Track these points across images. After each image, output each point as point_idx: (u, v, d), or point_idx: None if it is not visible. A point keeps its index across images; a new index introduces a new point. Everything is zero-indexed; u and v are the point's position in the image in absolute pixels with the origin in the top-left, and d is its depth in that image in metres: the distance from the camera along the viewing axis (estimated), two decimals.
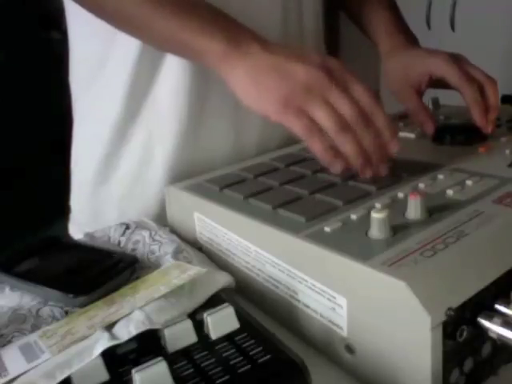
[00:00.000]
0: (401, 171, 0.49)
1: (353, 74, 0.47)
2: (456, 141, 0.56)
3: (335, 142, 0.46)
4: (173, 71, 0.59)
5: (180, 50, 0.55)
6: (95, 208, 0.69)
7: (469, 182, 0.45)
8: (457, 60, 0.59)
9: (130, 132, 0.63)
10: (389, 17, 0.70)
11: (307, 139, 0.46)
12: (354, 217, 0.41)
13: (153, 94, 0.61)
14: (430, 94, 0.73)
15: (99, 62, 0.63)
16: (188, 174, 0.62)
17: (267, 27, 0.57)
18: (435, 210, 0.40)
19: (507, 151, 0.52)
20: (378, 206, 0.42)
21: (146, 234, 0.51)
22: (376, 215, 0.37)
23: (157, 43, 0.56)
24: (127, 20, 0.54)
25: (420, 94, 0.63)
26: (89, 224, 0.68)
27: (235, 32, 0.50)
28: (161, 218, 0.59)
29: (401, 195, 0.44)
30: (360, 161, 0.46)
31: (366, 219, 0.40)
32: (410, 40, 0.68)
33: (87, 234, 0.54)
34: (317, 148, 0.46)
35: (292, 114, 0.46)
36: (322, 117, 0.45)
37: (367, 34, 0.72)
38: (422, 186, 0.46)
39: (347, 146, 0.45)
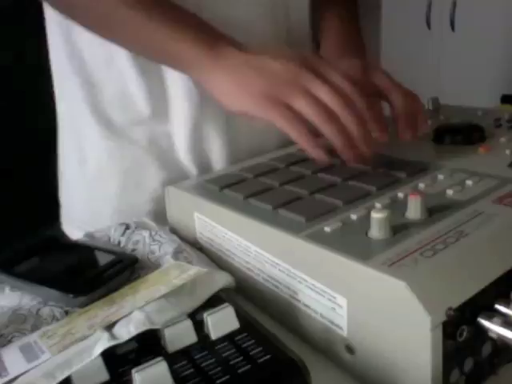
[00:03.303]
0: (401, 171, 0.49)
1: (331, 65, 0.48)
2: (456, 141, 0.56)
3: (318, 126, 0.46)
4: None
5: (158, 57, 0.55)
6: (88, 203, 0.69)
7: (469, 182, 0.45)
8: (366, 71, 0.56)
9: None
10: (336, 27, 0.68)
11: (287, 128, 0.46)
12: (353, 217, 0.41)
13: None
14: (430, 93, 0.73)
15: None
16: (182, 175, 0.62)
17: (254, 21, 0.58)
18: (435, 209, 0.40)
19: (507, 151, 0.52)
20: (378, 205, 0.42)
21: (146, 234, 0.51)
22: (376, 215, 0.37)
23: (133, 48, 0.56)
24: (103, 22, 0.54)
25: None
26: (82, 219, 0.68)
27: (212, 38, 0.50)
28: (155, 217, 0.60)
29: (401, 195, 0.44)
30: (342, 141, 0.46)
31: (366, 219, 0.40)
32: (351, 50, 0.65)
33: (87, 234, 0.54)
34: (297, 135, 0.46)
35: (271, 105, 0.46)
36: (303, 105, 0.46)
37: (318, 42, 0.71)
38: (422, 186, 0.46)
39: (331, 130, 0.46)
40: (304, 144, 0.47)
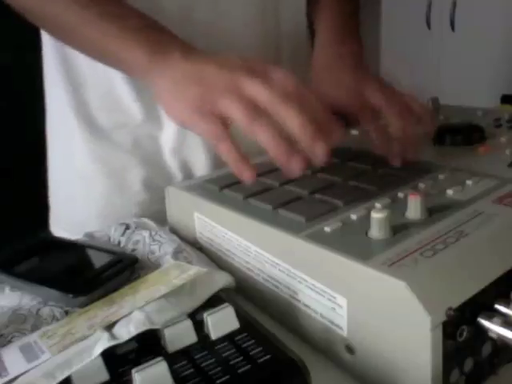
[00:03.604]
0: (401, 171, 0.49)
1: (277, 67, 0.43)
2: (456, 141, 0.56)
3: (249, 133, 0.41)
4: None
5: (105, 59, 0.55)
6: (73, 205, 0.69)
7: (469, 182, 0.45)
8: (359, 91, 0.53)
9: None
10: (331, 27, 0.65)
11: (214, 144, 0.43)
12: (353, 217, 0.41)
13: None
14: (430, 93, 0.73)
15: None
16: (167, 178, 0.62)
17: (243, 26, 0.58)
18: (435, 209, 0.40)
19: (507, 151, 0.52)
20: (378, 205, 0.42)
21: (146, 234, 0.51)
22: (376, 215, 0.37)
23: (83, 50, 0.56)
24: (52, 22, 0.54)
25: None
26: (67, 221, 0.68)
27: (160, 43, 0.49)
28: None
29: (401, 195, 0.44)
30: (282, 149, 0.40)
31: (365, 219, 0.40)
32: (344, 55, 0.60)
33: (87, 234, 0.54)
34: (222, 151, 0.42)
35: (202, 119, 0.43)
36: (233, 111, 0.41)
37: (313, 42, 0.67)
38: (422, 186, 0.46)
39: (263, 133, 0.40)
40: (228, 160, 0.42)
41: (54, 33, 0.57)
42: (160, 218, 0.55)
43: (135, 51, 0.49)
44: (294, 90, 0.41)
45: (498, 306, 0.34)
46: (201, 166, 0.65)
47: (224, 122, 0.43)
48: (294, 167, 0.40)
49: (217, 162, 0.64)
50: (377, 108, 0.52)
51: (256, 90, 0.41)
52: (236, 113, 0.41)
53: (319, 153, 0.39)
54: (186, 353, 0.33)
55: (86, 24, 0.51)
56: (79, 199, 0.67)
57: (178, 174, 0.66)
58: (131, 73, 0.53)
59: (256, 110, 0.40)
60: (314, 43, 0.66)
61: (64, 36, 0.56)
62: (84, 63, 0.62)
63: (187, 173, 0.66)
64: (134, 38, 0.49)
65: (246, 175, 0.42)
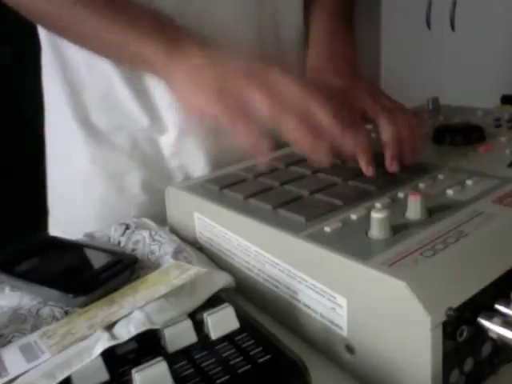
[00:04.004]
0: (401, 171, 0.49)
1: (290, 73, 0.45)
2: (456, 141, 0.56)
3: (273, 124, 0.42)
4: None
5: (120, 55, 0.55)
6: (71, 207, 0.69)
7: (469, 182, 0.45)
8: (351, 97, 0.51)
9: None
10: (324, 28, 0.64)
11: (231, 126, 0.43)
12: (353, 217, 0.41)
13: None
14: (430, 93, 0.73)
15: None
16: (165, 181, 0.62)
17: (239, 26, 0.59)
18: (435, 209, 0.40)
19: (507, 151, 0.52)
20: (378, 205, 0.42)
21: (146, 233, 0.51)
22: (376, 215, 0.37)
23: (93, 48, 0.56)
24: (58, 23, 0.54)
25: None
26: (65, 222, 0.68)
27: (176, 38, 0.50)
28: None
29: (401, 195, 0.44)
30: (307, 138, 0.41)
31: (365, 219, 0.40)
32: (337, 57, 0.59)
33: (87, 234, 0.54)
34: (242, 135, 0.43)
35: (224, 106, 0.44)
36: (257, 98, 0.42)
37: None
38: (422, 186, 0.46)
39: (288, 124, 0.41)
40: (245, 142, 0.43)
41: (66, 33, 0.57)
42: (159, 220, 0.55)
43: (151, 48, 0.49)
44: (317, 91, 0.43)
45: (498, 306, 0.34)
46: (200, 169, 0.65)
47: (243, 108, 0.43)
48: (323, 156, 0.41)
49: (216, 164, 0.64)
50: (367, 114, 0.50)
51: (279, 82, 0.42)
52: (261, 102, 0.42)
53: (349, 143, 0.41)
54: (185, 353, 0.33)
55: (100, 27, 0.51)
56: (78, 200, 0.67)
57: (177, 177, 0.65)
58: (146, 69, 0.54)
59: (281, 101, 0.41)
60: (308, 44, 0.65)
61: (72, 36, 0.56)
62: (82, 64, 0.61)
63: (186, 176, 0.65)
64: (149, 35, 0.50)
65: (261, 158, 0.45)
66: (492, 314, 0.33)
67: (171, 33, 0.51)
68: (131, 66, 0.57)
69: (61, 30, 0.56)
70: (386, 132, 0.49)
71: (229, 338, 0.34)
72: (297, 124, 0.42)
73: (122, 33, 0.51)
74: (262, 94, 0.43)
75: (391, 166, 0.48)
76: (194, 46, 0.49)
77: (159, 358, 0.31)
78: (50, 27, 0.57)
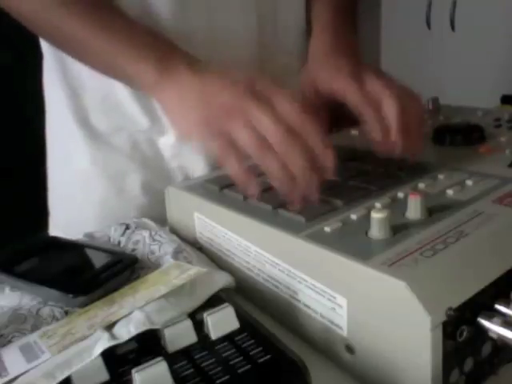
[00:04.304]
0: (401, 171, 0.49)
1: (282, 92, 0.44)
2: (456, 141, 0.56)
3: (256, 161, 0.43)
4: None
5: (112, 72, 0.55)
6: (71, 208, 0.69)
7: (469, 182, 0.45)
8: (359, 78, 0.51)
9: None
10: (327, 20, 0.63)
11: (222, 160, 0.44)
12: (353, 217, 0.41)
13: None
14: (430, 93, 0.73)
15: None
16: (165, 182, 0.62)
17: (239, 29, 0.59)
18: (435, 209, 0.40)
19: (507, 151, 0.52)
20: (378, 205, 0.42)
21: (146, 233, 0.51)
22: (376, 215, 0.37)
23: (85, 62, 0.56)
24: (60, 36, 0.54)
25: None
26: (65, 223, 0.68)
27: (166, 56, 0.49)
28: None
29: (401, 195, 0.44)
30: (285, 183, 0.43)
31: (365, 219, 0.40)
32: (341, 48, 0.59)
33: (87, 234, 0.54)
34: (231, 168, 0.44)
35: (211, 134, 0.45)
36: (242, 137, 0.43)
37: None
38: (422, 186, 0.46)
39: (269, 166, 0.43)
40: (236, 178, 0.44)
41: (56, 43, 0.57)
42: (159, 222, 0.55)
43: (142, 67, 0.49)
44: (296, 121, 0.42)
45: (498, 306, 0.34)
46: (200, 170, 0.65)
47: (230, 139, 0.44)
48: (295, 201, 0.43)
49: (216, 166, 0.64)
50: (376, 95, 0.50)
51: (262, 121, 0.42)
52: (244, 139, 0.43)
53: (313, 190, 0.43)
54: (186, 353, 0.34)
55: (91, 39, 0.51)
56: (78, 202, 0.67)
57: (177, 178, 0.66)
58: (137, 87, 0.54)
59: (263, 141, 0.42)
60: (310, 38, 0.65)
61: (68, 49, 0.56)
62: (82, 67, 0.61)
63: (186, 176, 0.66)
64: (140, 53, 0.50)
65: (251, 191, 0.44)
66: (492, 313, 0.33)
67: (163, 49, 0.50)
68: (121, 80, 0.57)
69: (51, 36, 0.56)
70: (391, 108, 0.48)
71: (229, 337, 0.34)
72: (277, 169, 0.43)
73: (111, 47, 0.51)
74: (246, 134, 0.43)
75: (395, 137, 0.47)
76: (182, 66, 0.48)
77: (159, 358, 0.31)
78: (39, 32, 0.57)
